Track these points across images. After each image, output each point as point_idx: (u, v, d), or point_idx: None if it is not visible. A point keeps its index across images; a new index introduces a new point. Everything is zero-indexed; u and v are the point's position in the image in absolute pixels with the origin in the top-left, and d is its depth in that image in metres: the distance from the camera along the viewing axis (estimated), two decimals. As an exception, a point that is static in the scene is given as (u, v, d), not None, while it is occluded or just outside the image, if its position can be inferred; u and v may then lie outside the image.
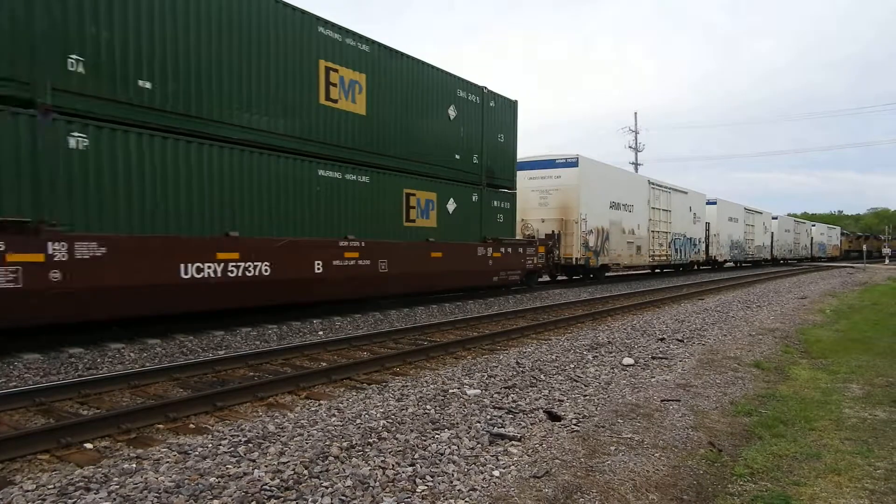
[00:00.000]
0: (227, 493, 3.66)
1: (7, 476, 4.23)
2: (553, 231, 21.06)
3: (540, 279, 21.22)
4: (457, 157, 15.87)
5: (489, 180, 17.17)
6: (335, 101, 12.29)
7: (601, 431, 5.05)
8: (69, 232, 8.15)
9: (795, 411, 5.84)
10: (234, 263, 10.15)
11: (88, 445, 4.83)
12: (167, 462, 4.16)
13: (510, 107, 18.00)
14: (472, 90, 16.40)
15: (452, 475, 4.06)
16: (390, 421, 5.12)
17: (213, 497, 3.61)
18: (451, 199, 15.69)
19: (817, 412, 5.83)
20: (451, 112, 15.60)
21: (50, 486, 3.72)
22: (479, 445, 4.64)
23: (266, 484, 3.77)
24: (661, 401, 6.04)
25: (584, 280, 23.26)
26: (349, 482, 3.85)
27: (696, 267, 33.15)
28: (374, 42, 13.05)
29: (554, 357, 8.11)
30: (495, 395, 6.08)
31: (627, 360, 7.99)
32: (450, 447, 4.55)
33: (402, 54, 13.93)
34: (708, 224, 33.25)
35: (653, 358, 8.29)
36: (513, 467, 4.23)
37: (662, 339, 9.80)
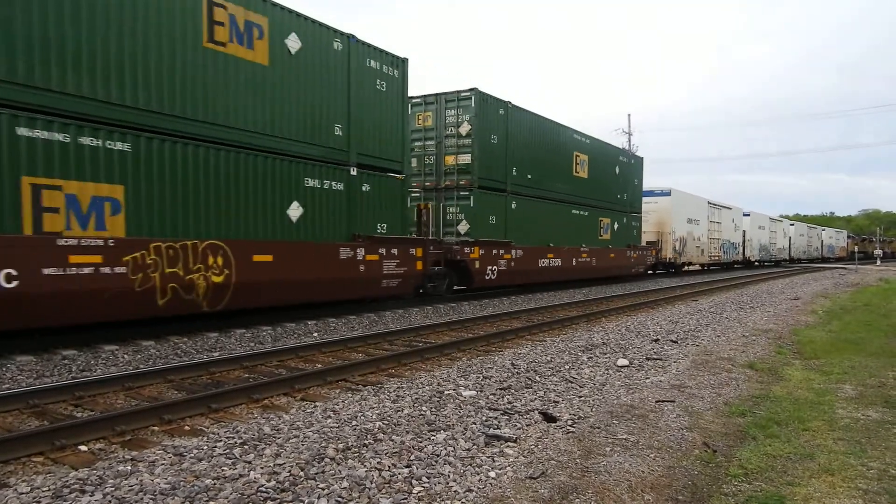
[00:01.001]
0: (223, 494, 3.65)
1: (1, 479, 4.21)
2: (656, 240, 29.78)
3: (650, 271, 30.33)
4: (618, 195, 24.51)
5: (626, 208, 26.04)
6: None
7: (596, 432, 5.06)
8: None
9: (789, 412, 5.88)
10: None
11: (83, 447, 4.81)
12: (163, 464, 4.15)
13: (639, 163, 26.89)
14: (625, 155, 25.77)
15: (449, 476, 4.06)
16: (386, 422, 5.12)
17: (210, 499, 3.60)
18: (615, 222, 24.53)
19: (811, 413, 5.87)
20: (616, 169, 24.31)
21: (45, 489, 3.71)
22: (475, 446, 4.65)
23: (262, 486, 3.77)
24: (656, 402, 6.06)
25: (673, 273, 33.01)
26: (345, 483, 3.85)
27: (734, 265, 41.59)
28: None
29: (549, 358, 8.13)
30: (491, 397, 6.09)
31: (622, 361, 8.02)
32: (446, 448, 4.56)
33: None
34: (744, 231, 41.78)
35: (647, 359, 8.32)
36: (509, 468, 4.24)
37: (657, 340, 9.84)
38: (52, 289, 7.90)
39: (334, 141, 12.26)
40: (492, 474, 4.13)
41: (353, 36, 12.55)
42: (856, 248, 53.57)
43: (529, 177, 18.92)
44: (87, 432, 4.99)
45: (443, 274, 16.09)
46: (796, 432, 5.29)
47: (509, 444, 4.72)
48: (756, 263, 45.06)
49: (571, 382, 6.83)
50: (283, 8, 11.08)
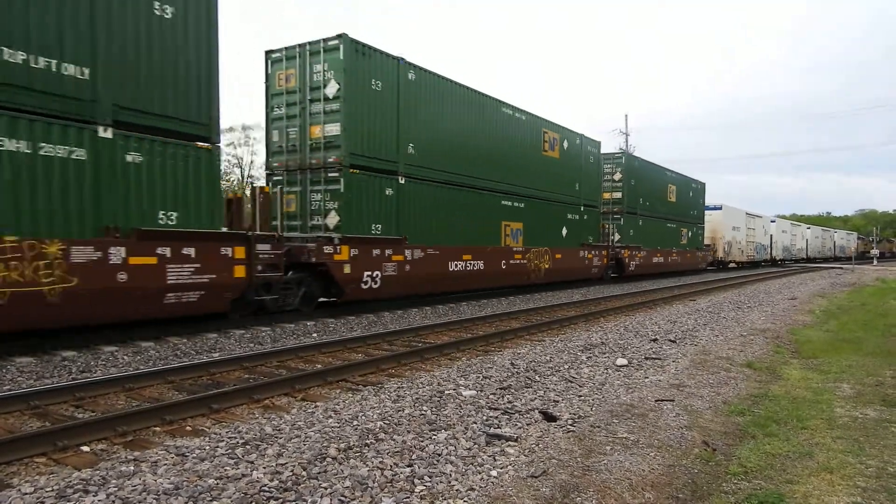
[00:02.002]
0: (226, 494, 3.67)
1: (4, 479, 4.22)
2: (710, 243, 37.67)
3: (709, 266, 38.21)
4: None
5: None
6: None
7: (597, 431, 5.09)
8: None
9: (788, 411, 5.91)
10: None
11: (85, 448, 4.82)
12: (165, 464, 4.17)
13: (703, 188, 34.75)
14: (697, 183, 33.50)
15: (450, 475, 4.08)
16: (387, 422, 5.14)
17: (213, 499, 3.62)
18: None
19: (809, 411, 5.90)
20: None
21: (48, 489, 3.72)
22: (476, 446, 4.67)
23: (265, 485, 3.79)
24: (656, 401, 6.09)
25: (721, 269, 40.27)
26: (348, 483, 3.87)
27: (762, 263, 48.25)
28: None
29: (548, 358, 8.16)
30: (491, 396, 6.11)
31: (621, 361, 8.04)
32: (447, 448, 4.58)
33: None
34: (771, 235, 49.59)
35: (646, 358, 8.35)
36: (510, 467, 4.26)
37: (655, 340, 9.87)
38: (512, 269, 18.22)
39: (575, 194, 21.99)
40: (493, 473, 4.15)
41: (583, 134, 22.02)
42: (864, 249, 57.38)
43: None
44: (88, 433, 5.00)
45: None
46: (795, 431, 5.32)
47: (510, 443, 4.74)
48: (779, 262, 52.41)
49: (571, 382, 6.86)
50: (564, 127, 21.25)
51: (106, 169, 8.72)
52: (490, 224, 17.50)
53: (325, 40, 12.82)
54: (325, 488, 3.79)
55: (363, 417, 5.30)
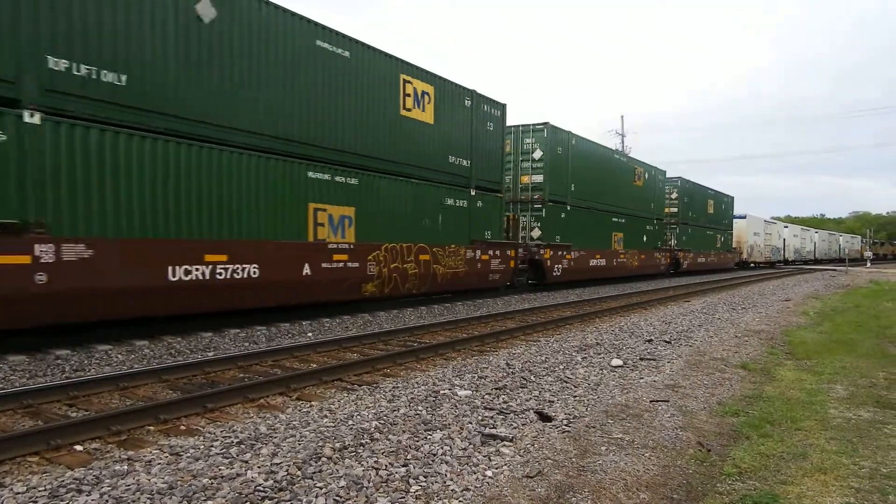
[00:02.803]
0: (220, 493, 3.66)
1: (-4, 478, 4.20)
2: (736, 246, 44.44)
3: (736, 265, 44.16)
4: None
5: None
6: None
7: (592, 432, 5.09)
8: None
9: (782, 412, 5.93)
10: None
11: (78, 447, 4.79)
12: (159, 463, 4.15)
13: (732, 200, 41.11)
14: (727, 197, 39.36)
15: (446, 475, 4.08)
16: (382, 422, 5.14)
17: (207, 498, 3.61)
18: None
19: (803, 412, 5.92)
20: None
21: (41, 489, 3.71)
22: (472, 446, 4.67)
23: (260, 485, 3.78)
24: (651, 401, 6.11)
25: (745, 268, 45.90)
26: (343, 483, 3.86)
27: (777, 264, 52.84)
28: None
29: (543, 358, 8.16)
30: (486, 397, 6.11)
31: (616, 362, 8.06)
32: (442, 448, 4.58)
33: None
34: (784, 239, 54.82)
35: (641, 359, 8.37)
36: (505, 467, 4.26)
37: (650, 341, 9.89)
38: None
39: (650, 211, 26.10)
40: (489, 473, 4.15)
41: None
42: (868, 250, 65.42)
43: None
44: (82, 432, 4.97)
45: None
46: (789, 432, 5.34)
47: (505, 443, 4.74)
48: (791, 262, 57.45)
49: (566, 382, 6.86)
50: (646, 163, 25.25)
51: (473, 211, 16.66)
52: (607, 234, 24.88)
53: (534, 125, 20.96)
54: (321, 488, 3.79)
55: (358, 417, 5.29)
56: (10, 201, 7.75)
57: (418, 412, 5.47)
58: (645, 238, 28.43)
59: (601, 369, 7.64)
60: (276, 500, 3.62)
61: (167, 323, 10.02)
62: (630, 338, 10.17)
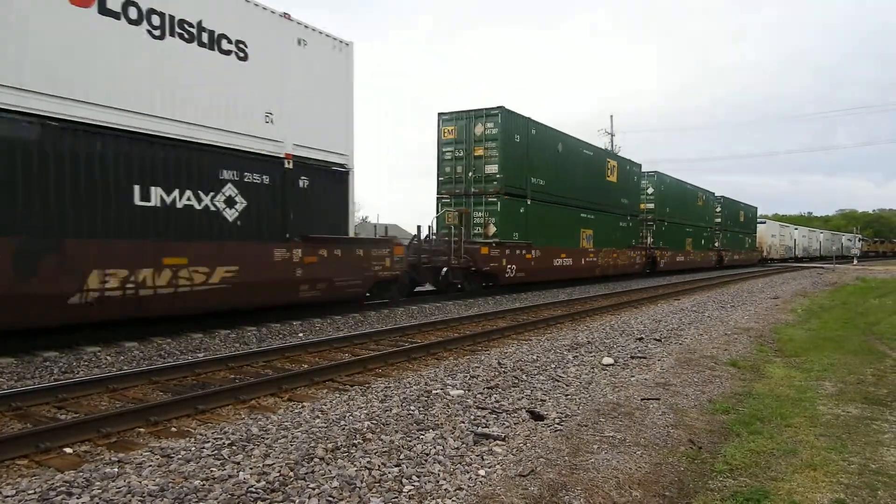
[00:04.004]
0: (212, 495, 3.64)
1: (-15, 482, 4.15)
2: (758, 247, 52.28)
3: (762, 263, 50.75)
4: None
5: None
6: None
7: (584, 430, 5.11)
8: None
9: (771, 409, 5.97)
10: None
11: (68, 450, 4.75)
12: (150, 466, 4.12)
13: (755, 211, 53.20)
14: (751, 209, 51.98)
15: (439, 475, 4.08)
16: (375, 422, 5.13)
17: (199, 500, 3.59)
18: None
19: (792, 409, 5.97)
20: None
21: (30, 492, 3.67)
22: (464, 445, 4.67)
23: (252, 486, 3.76)
24: (642, 399, 6.13)
25: (763, 265, 51.48)
26: (336, 483, 3.85)
27: (788, 260, 60.02)
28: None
29: (535, 357, 8.18)
30: (478, 396, 6.11)
31: (607, 360, 8.09)
32: (435, 447, 4.58)
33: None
34: (794, 239, 63.75)
35: (632, 357, 8.41)
36: (498, 466, 4.27)
37: (641, 339, 9.94)
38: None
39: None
40: (481, 472, 4.15)
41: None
42: (868, 248, 72.59)
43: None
44: (72, 434, 4.93)
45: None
46: (779, 429, 5.38)
47: (498, 442, 4.75)
48: (800, 259, 64.73)
49: (558, 381, 6.88)
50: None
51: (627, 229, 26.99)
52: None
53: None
54: (313, 489, 3.77)
55: (350, 417, 5.28)
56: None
57: (410, 412, 5.47)
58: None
59: (592, 368, 7.67)
60: (268, 501, 3.61)
61: (157, 324, 9.95)
62: (621, 336, 10.21)
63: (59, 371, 7.59)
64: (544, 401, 6.03)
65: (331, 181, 12.71)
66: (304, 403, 6.05)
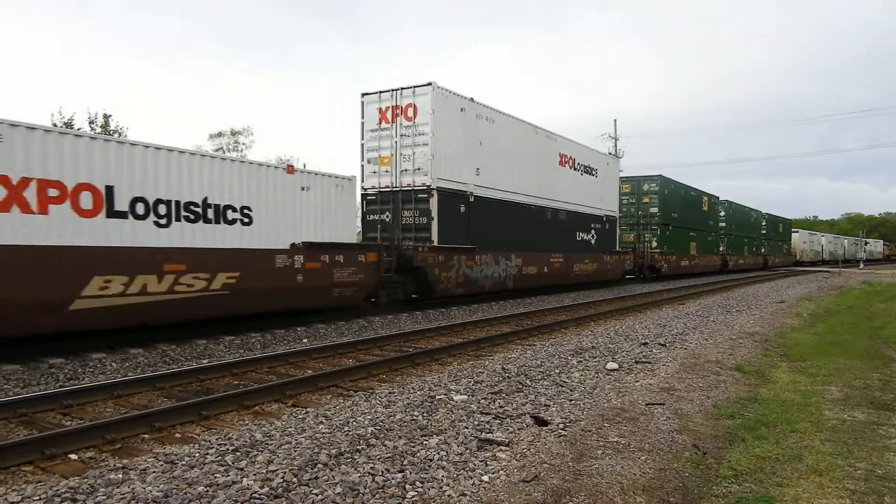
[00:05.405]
0: (216, 501, 3.65)
1: (-10, 488, 4.17)
2: (793, 252, 61.31)
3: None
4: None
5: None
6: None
7: (588, 435, 5.10)
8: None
9: (777, 414, 5.94)
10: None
11: (73, 456, 4.76)
12: (154, 472, 4.13)
13: (790, 223, 63.12)
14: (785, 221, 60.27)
15: (442, 481, 4.08)
16: (378, 428, 5.13)
17: (203, 506, 3.59)
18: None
19: (798, 414, 5.94)
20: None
21: (35, 498, 3.68)
22: (468, 451, 4.66)
23: (255, 492, 3.77)
24: (646, 405, 6.11)
25: (796, 266, 58.91)
26: (339, 489, 3.85)
27: (815, 263, 66.66)
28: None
29: (539, 362, 8.16)
30: (482, 401, 6.11)
31: (612, 365, 8.07)
32: (439, 453, 4.57)
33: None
34: (822, 245, 72.40)
35: (636, 362, 8.38)
36: (502, 472, 4.26)
37: (645, 344, 9.91)
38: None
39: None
40: (485, 478, 4.15)
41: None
42: (889, 252, 79.70)
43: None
44: (76, 441, 4.95)
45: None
46: (784, 434, 5.35)
47: (502, 447, 4.74)
48: (827, 262, 71.84)
49: (562, 386, 6.87)
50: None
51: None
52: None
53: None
54: (317, 495, 3.78)
55: (354, 423, 5.28)
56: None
57: (414, 417, 5.47)
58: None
59: (597, 373, 7.65)
60: (272, 507, 3.61)
61: (162, 332, 9.98)
62: (625, 341, 10.19)
63: (65, 378, 7.62)
64: (548, 406, 6.02)
65: (612, 225, 26.85)
66: (308, 409, 6.05)
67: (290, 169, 11.98)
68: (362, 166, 16.54)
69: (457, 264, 16.14)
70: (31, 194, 8.12)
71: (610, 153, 39.79)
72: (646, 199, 31.00)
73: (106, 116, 28.87)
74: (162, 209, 9.71)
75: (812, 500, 3.99)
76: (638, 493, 4.03)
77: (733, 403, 6.40)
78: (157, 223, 9.64)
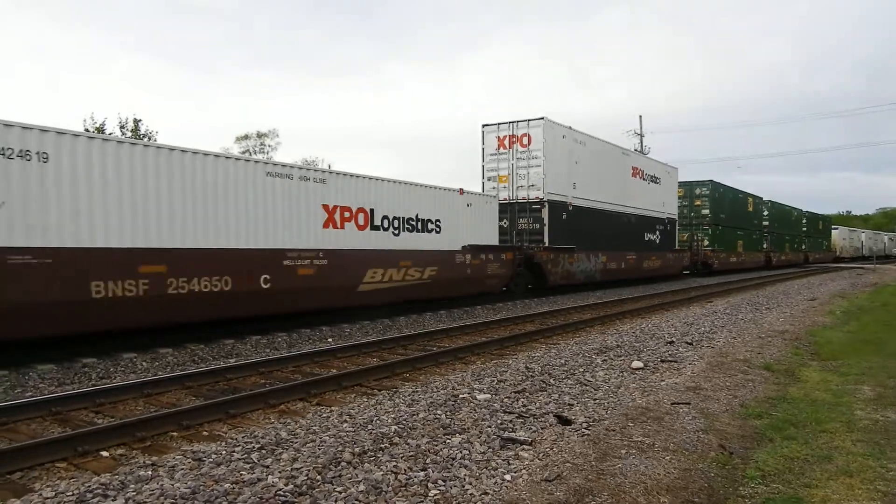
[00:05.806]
0: (241, 498, 3.71)
1: (27, 484, 4.30)
2: (832, 248, 63.35)
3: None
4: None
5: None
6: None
7: (612, 435, 5.06)
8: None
9: (806, 413, 5.84)
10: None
11: (104, 453, 4.89)
12: (182, 469, 4.22)
13: (829, 220, 66.90)
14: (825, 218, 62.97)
15: (464, 480, 4.09)
16: (402, 426, 5.16)
17: (229, 503, 3.66)
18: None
19: (828, 414, 5.82)
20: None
21: (68, 494, 3.79)
22: (491, 450, 4.67)
23: (280, 489, 3.82)
24: (671, 404, 6.05)
25: (836, 262, 60.62)
26: (362, 487, 3.89)
27: (855, 258, 68.18)
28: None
29: (563, 361, 8.13)
30: (505, 400, 6.10)
31: (637, 364, 8.00)
32: (461, 452, 4.59)
33: None
34: (862, 241, 73.58)
35: (662, 361, 8.29)
36: (524, 471, 4.26)
37: (671, 342, 9.80)
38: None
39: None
40: (507, 477, 4.15)
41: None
42: None
43: None
44: (108, 438, 5.07)
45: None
46: (814, 434, 5.25)
47: (524, 447, 4.74)
48: (867, 258, 71.18)
49: (586, 385, 6.83)
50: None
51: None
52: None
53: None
54: (340, 492, 3.82)
55: (378, 422, 5.32)
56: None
57: (437, 416, 5.49)
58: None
59: (621, 372, 7.59)
60: (296, 504, 3.66)
61: (187, 331, 10.16)
62: (651, 340, 10.08)
63: (97, 377, 7.81)
64: (572, 405, 5.99)
65: (672, 226, 29.82)
66: (333, 408, 6.12)
67: (461, 191, 16.32)
68: (482, 183, 20.49)
69: (562, 261, 20.03)
70: (337, 216, 12.49)
71: (636, 150, 39.75)
72: (698, 202, 33.87)
73: (136, 121, 29.45)
74: (396, 223, 14.08)
75: (841, 502, 3.91)
76: (662, 494, 4.00)
77: (761, 403, 6.30)
78: (393, 233, 14.01)
